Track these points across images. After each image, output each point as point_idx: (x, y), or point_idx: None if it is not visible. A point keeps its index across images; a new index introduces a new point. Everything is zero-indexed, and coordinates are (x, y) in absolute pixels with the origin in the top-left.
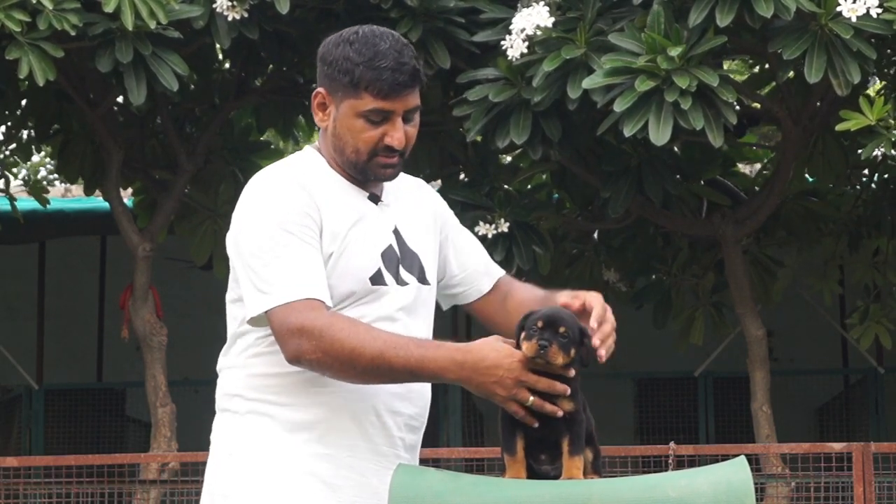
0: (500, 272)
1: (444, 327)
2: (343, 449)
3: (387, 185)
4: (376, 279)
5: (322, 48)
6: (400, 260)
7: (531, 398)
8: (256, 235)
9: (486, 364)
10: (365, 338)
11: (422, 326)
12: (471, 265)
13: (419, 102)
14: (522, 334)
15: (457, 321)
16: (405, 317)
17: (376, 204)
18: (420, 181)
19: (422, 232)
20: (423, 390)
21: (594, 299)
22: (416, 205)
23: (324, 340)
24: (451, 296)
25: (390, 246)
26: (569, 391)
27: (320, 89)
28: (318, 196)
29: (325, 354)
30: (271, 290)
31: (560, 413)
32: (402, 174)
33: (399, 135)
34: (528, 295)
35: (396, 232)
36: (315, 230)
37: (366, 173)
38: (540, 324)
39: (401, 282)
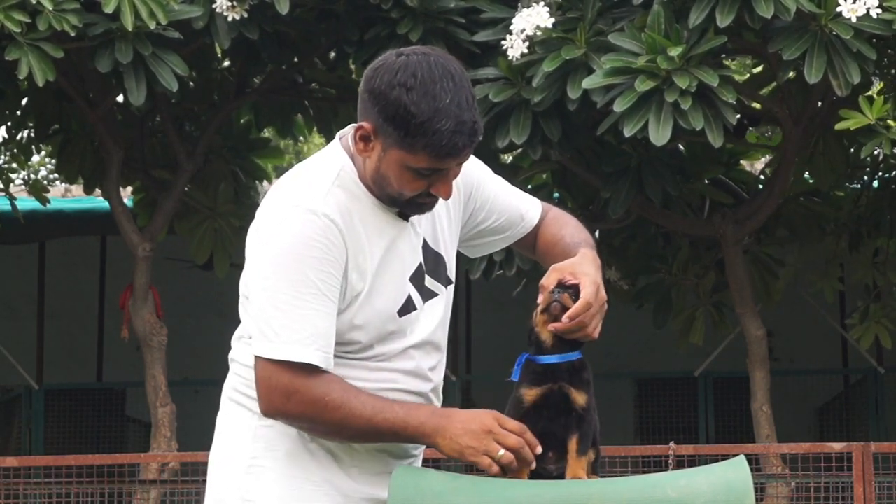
0: (534, 219)
1: None
2: (366, 467)
3: None
4: (405, 308)
5: (371, 81)
6: (426, 272)
7: (501, 451)
8: (275, 270)
9: (461, 417)
10: (355, 406)
11: (441, 333)
12: (503, 218)
13: (471, 153)
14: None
15: (456, 323)
16: (434, 340)
17: (406, 220)
18: None
19: (446, 226)
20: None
21: (583, 292)
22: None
23: (315, 408)
24: (489, 244)
25: (419, 265)
26: (540, 450)
27: (365, 124)
28: (347, 227)
29: (312, 421)
30: (275, 338)
31: (533, 467)
32: None
33: (448, 188)
34: (550, 248)
35: (424, 244)
36: (338, 274)
37: (402, 208)
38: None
39: (428, 294)
